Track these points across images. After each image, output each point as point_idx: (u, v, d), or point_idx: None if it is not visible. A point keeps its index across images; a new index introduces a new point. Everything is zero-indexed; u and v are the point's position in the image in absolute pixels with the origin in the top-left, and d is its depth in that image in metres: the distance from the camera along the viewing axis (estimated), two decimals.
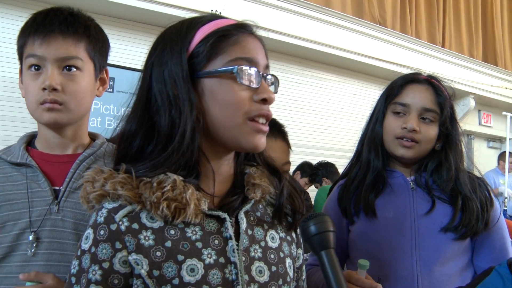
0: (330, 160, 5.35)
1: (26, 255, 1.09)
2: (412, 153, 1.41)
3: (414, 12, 7.05)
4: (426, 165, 1.45)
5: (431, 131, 1.42)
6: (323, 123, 6.24)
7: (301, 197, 1.00)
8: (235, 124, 0.85)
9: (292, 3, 5.33)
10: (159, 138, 0.85)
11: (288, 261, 0.94)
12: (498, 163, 6.78)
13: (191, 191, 0.82)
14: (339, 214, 1.50)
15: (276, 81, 0.93)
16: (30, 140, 1.22)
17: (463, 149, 1.47)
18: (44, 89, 1.09)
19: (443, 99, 1.42)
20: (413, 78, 1.48)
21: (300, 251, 1.03)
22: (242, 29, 0.88)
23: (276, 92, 0.92)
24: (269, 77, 0.91)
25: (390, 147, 1.45)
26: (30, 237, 1.09)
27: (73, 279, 0.81)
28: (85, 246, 0.81)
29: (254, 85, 0.85)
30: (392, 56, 6.20)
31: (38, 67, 1.11)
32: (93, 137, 1.27)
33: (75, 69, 1.12)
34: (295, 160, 4.84)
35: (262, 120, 0.87)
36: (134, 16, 4.46)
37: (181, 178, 0.82)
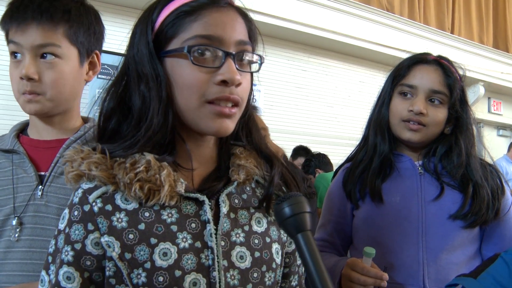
0: (338, 148, 5.31)
1: (10, 241, 1.07)
2: (419, 136, 1.36)
3: None
4: (435, 149, 1.39)
5: (440, 114, 1.36)
6: (329, 111, 6.20)
7: (299, 184, 0.95)
8: (192, 107, 0.80)
9: None
10: (133, 117, 0.82)
11: (275, 246, 0.90)
12: (509, 150, 6.69)
13: (166, 171, 0.79)
14: (344, 198, 1.46)
15: (258, 60, 0.86)
16: (23, 128, 1.21)
17: (475, 134, 1.40)
18: (21, 78, 1.07)
19: (452, 80, 1.36)
20: (422, 59, 1.41)
21: None
22: (209, 3, 0.81)
23: (257, 71, 0.87)
24: (249, 55, 0.83)
25: (396, 131, 1.40)
26: (14, 222, 1.07)
27: (50, 258, 0.81)
28: (61, 226, 0.80)
29: (212, 65, 0.79)
30: (400, 42, 6.11)
31: (18, 54, 1.08)
32: (86, 121, 1.24)
33: (53, 57, 1.08)
34: None
35: (224, 104, 0.80)
36: (137, 4, 4.42)
37: (154, 155, 0.80)
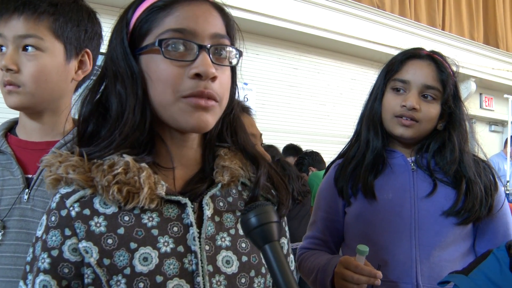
0: (330, 146, 5.29)
1: None
2: (411, 132, 1.34)
3: None
4: (428, 145, 1.38)
5: (432, 110, 1.34)
6: (321, 109, 6.20)
7: (288, 188, 0.92)
8: (167, 102, 0.77)
9: None
10: (111, 117, 0.80)
11: None
12: (505, 147, 6.71)
13: (146, 173, 0.76)
14: (335, 194, 1.44)
15: (236, 55, 0.83)
16: (11, 127, 1.18)
17: (468, 130, 1.39)
18: (1, 69, 1.04)
19: (445, 75, 1.35)
20: (415, 54, 1.40)
21: (284, 240, 0.95)
22: None
23: (235, 65, 0.84)
24: (226, 49, 0.80)
25: (388, 126, 1.38)
26: None
27: (27, 267, 0.78)
28: (39, 233, 0.78)
29: (186, 59, 0.76)
30: (392, 40, 6.12)
31: (3, 48, 1.06)
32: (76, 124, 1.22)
33: (34, 49, 1.06)
34: None
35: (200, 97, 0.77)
36: (118, 2, 4.38)
37: (134, 157, 0.77)
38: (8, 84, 1.05)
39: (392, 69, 1.41)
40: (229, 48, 0.81)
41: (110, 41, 0.83)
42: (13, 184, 1.07)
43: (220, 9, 0.83)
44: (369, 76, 6.98)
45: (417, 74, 1.35)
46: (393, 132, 1.37)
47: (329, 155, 5.03)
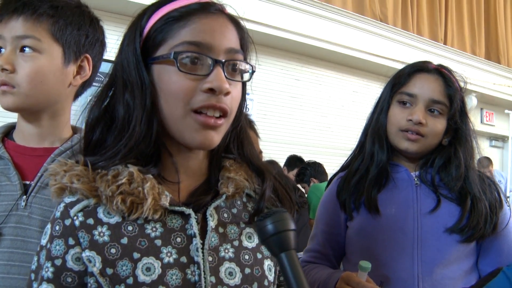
0: (331, 158, 5.29)
1: None
2: (417, 147, 1.33)
3: (416, 9, 7.03)
4: (433, 160, 1.36)
5: (439, 125, 1.33)
6: (323, 121, 6.21)
7: (292, 201, 0.92)
8: (177, 115, 0.76)
9: None
10: (117, 126, 0.80)
11: (267, 263, 0.86)
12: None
13: (150, 184, 0.75)
14: (337, 208, 1.41)
15: (249, 69, 0.83)
16: (8, 131, 1.16)
17: (474, 146, 1.38)
18: None
19: (453, 90, 1.33)
20: (422, 67, 1.38)
21: None
22: (199, 9, 0.78)
23: (248, 80, 0.84)
24: (240, 64, 0.80)
25: (394, 140, 1.36)
26: None
27: (32, 276, 0.78)
28: (43, 241, 0.78)
29: (200, 73, 0.76)
30: (393, 53, 6.15)
31: (2, 49, 1.06)
32: (76, 131, 1.20)
33: (31, 50, 1.05)
34: None
35: (211, 113, 0.76)
36: (131, 12, 4.40)
37: (139, 167, 0.77)
38: (3, 84, 1.04)
39: (399, 82, 1.39)
40: (243, 64, 0.81)
41: (121, 47, 0.82)
42: (10, 190, 1.05)
43: (236, 22, 0.83)
44: (370, 89, 7.06)
45: (424, 88, 1.33)
46: (398, 146, 1.35)
47: (330, 167, 5.02)
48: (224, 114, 0.78)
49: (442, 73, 1.36)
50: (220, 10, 0.81)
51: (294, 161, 4.72)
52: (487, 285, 1.00)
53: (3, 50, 1.05)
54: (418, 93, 1.33)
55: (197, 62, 0.76)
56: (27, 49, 1.04)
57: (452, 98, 1.33)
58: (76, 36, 1.11)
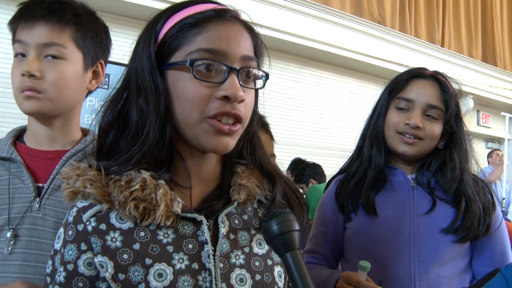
0: (328, 159, 5.31)
1: (3, 253, 1.03)
2: (414, 150, 1.37)
3: (414, 11, 7.04)
4: (429, 164, 1.40)
5: (435, 129, 1.37)
6: (321, 122, 6.22)
7: (302, 205, 0.92)
8: (192, 121, 0.77)
9: (291, 1, 5.30)
10: (130, 131, 0.80)
11: (277, 269, 0.87)
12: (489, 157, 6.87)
13: (162, 190, 0.76)
14: (336, 209, 1.45)
15: (263, 76, 0.83)
16: (19, 135, 1.18)
17: (468, 149, 1.42)
18: (23, 75, 1.05)
19: (448, 96, 1.38)
20: (419, 73, 1.43)
21: None
22: (214, 16, 0.78)
23: (261, 87, 0.85)
24: (254, 71, 0.81)
25: (391, 143, 1.41)
26: (8, 234, 1.04)
27: (48, 279, 0.78)
28: (57, 246, 0.79)
29: (215, 80, 0.76)
30: (391, 55, 6.17)
31: (23, 55, 1.07)
32: (85, 133, 1.22)
33: (57, 57, 1.07)
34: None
35: (225, 120, 0.77)
36: (129, 12, 4.42)
37: (151, 173, 0.78)
38: (29, 89, 1.05)
39: (396, 88, 1.43)
40: (257, 71, 0.82)
41: (135, 52, 0.82)
42: (24, 192, 1.07)
43: (250, 29, 0.83)
44: (368, 91, 7.05)
45: (421, 93, 1.38)
46: (396, 149, 1.39)
47: (327, 168, 5.05)
48: (238, 120, 0.78)
49: (438, 79, 1.40)
50: (235, 17, 0.81)
51: (297, 163, 4.67)
52: (486, 285, 1.02)
53: (21, 55, 1.07)
54: (415, 98, 1.38)
55: (212, 70, 0.76)
56: (53, 55, 1.07)
57: (448, 103, 1.37)
58: (94, 43, 1.15)
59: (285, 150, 5.32)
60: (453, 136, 1.40)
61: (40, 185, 1.09)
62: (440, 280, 1.30)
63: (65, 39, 1.08)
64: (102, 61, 1.20)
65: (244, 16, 0.85)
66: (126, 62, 0.85)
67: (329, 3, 5.80)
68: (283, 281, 0.88)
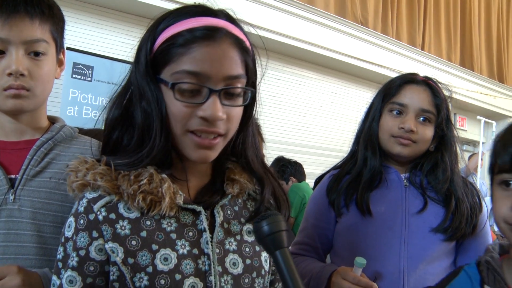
0: (308, 157, 5.35)
1: None
2: (408, 151, 1.42)
3: (396, 14, 7.13)
4: (421, 165, 1.45)
5: (428, 132, 1.42)
6: (301, 120, 6.26)
7: (288, 201, 1.00)
8: (177, 133, 0.84)
9: None
10: (135, 130, 0.86)
11: (264, 254, 0.97)
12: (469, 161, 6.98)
13: (167, 184, 0.84)
14: (327, 204, 1.49)
15: (246, 92, 0.86)
16: None
17: (458, 151, 1.48)
18: (10, 74, 1.01)
19: (440, 100, 1.44)
20: (411, 79, 1.48)
21: None
22: (202, 37, 0.80)
23: (245, 104, 0.87)
24: (235, 91, 0.84)
25: (386, 145, 1.45)
26: None
27: (60, 264, 0.84)
28: (68, 234, 0.84)
29: (196, 101, 0.81)
30: (373, 56, 6.24)
31: (2, 52, 1.02)
32: (52, 120, 1.19)
33: (41, 54, 1.05)
34: (273, 156, 4.83)
35: (205, 135, 0.83)
36: (114, 4, 4.38)
37: (155, 167, 0.85)
38: (19, 88, 1.03)
39: (389, 93, 1.48)
40: (241, 90, 0.85)
41: (138, 55, 0.86)
42: None
43: (241, 47, 0.85)
44: (349, 91, 7.07)
45: (414, 98, 1.43)
46: (391, 150, 1.44)
47: (307, 166, 5.07)
48: (219, 135, 0.84)
49: (430, 85, 1.46)
50: (225, 34, 0.82)
51: (279, 162, 4.64)
52: (450, 284, 1.05)
53: (1, 52, 1.02)
54: (408, 103, 1.43)
55: (194, 91, 0.81)
56: (38, 52, 1.05)
57: (439, 107, 1.43)
58: (61, 32, 1.13)
59: (265, 147, 5.33)
60: (444, 139, 1.45)
61: (13, 176, 1.07)
62: (427, 276, 1.35)
63: (46, 33, 1.06)
64: (64, 49, 1.18)
65: (238, 16, 0.89)
66: (124, 58, 0.87)
67: (313, 3, 5.84)
68: (268, 265, 0.98)
